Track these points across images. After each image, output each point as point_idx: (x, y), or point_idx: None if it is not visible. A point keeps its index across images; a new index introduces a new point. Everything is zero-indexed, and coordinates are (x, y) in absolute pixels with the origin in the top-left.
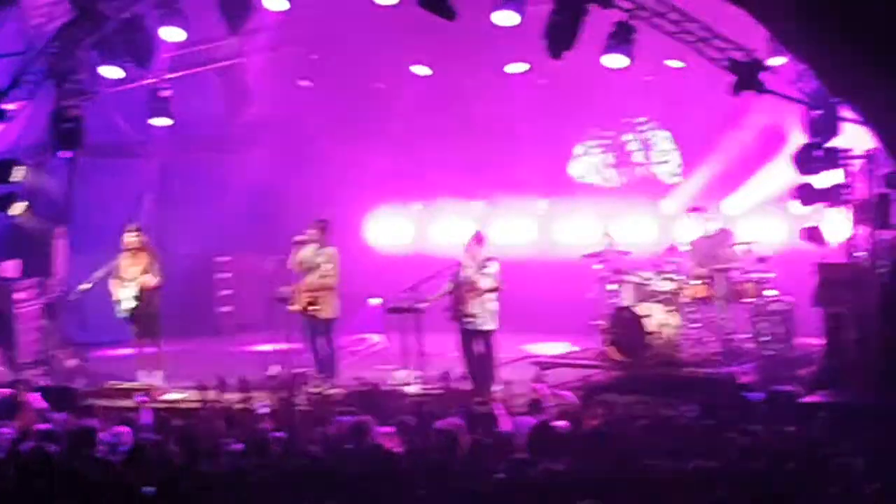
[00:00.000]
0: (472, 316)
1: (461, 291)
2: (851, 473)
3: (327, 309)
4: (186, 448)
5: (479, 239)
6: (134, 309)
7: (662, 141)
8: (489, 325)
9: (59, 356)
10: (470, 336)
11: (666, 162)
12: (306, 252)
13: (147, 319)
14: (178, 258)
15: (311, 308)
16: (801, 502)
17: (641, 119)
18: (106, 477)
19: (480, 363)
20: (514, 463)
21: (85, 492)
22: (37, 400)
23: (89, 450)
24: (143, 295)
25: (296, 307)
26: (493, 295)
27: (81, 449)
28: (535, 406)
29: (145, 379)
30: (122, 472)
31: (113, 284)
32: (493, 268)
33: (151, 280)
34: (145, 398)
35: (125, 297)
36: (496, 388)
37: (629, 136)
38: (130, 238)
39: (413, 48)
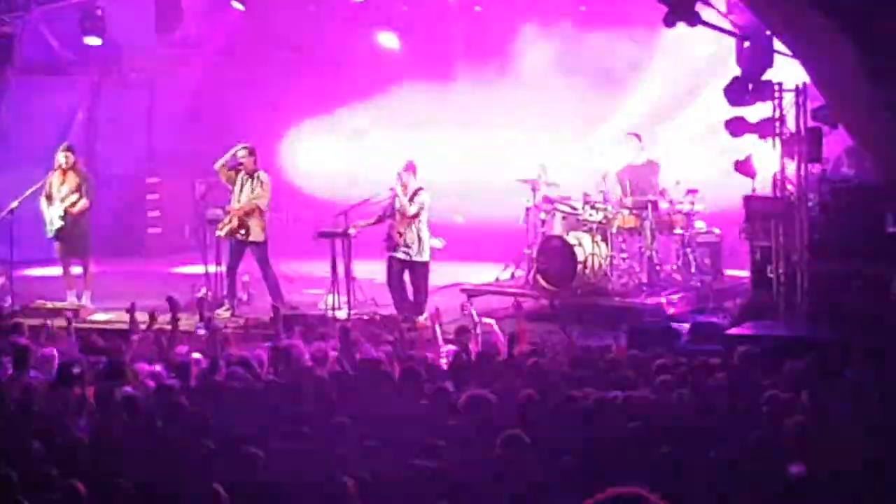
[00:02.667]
0: (408, 246)
1: (395, 221)
2: (774, 406)
3: (256, 232)
4: (111, 370)
5: (410, 167)
6: (61, 228)
7: None
8: (423, 257)
9: None
10: (401, 266)
11: None
12: (235, 177)
13: (75, 239)
14: (108, 178)
15: (238, 233)
16: (724, 433)
17: None
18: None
19: (413, 292)
20: (440, 390)
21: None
22: None
23: (24, 370)
24: (71, 215)
25: (222, 231)
26: (426, 224)
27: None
28: (462, 334)
29: (73, 299)
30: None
31: (42, 203)
32: (423, 197)
33: (81, 200)
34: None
35: (54, 216)
36: (423, 316)
37: None
38: (62, 157)
39: None
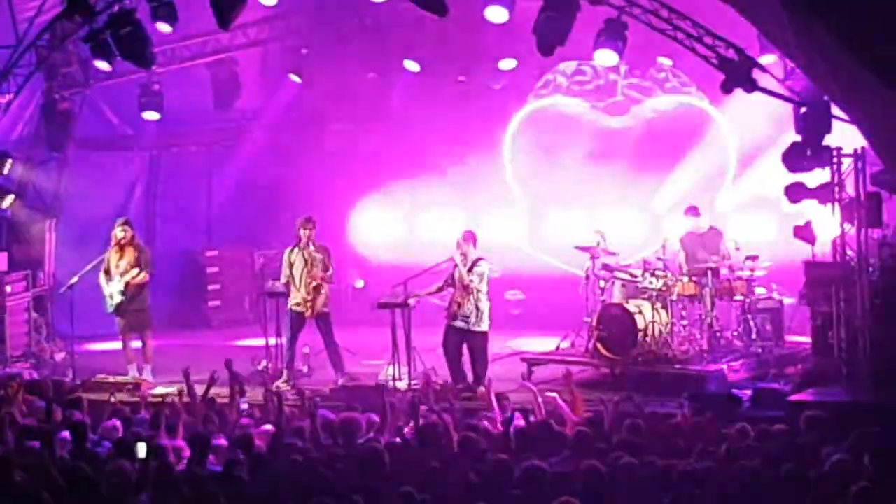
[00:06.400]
0: (466, 317)
1: (455, 291)
2: (839, 472)
3: (320, 303)
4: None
5: (468, 238)
6: (121, 303)
7: None
8: (481, 327)
9: (47, 349)
10: (459, 335)
11: None
12: (300, 253)
13: (133, 314)
14: (167, 252)
15: (307, 304)
16: (789, 500)
17: None
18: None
19: (472, 362)
20: (499, 461)
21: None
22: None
23: (81, 443)
24: (132, 287)
25: (299, 308)
26: (485, 295)
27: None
28: (503, 403)
29: (134, 373)
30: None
31: (101, 279)
32: (483, 267)
33: (141, 273)
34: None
35: (113, 291)
36: (482, 387)
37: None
38: (119, 232)
39: (403, 44)
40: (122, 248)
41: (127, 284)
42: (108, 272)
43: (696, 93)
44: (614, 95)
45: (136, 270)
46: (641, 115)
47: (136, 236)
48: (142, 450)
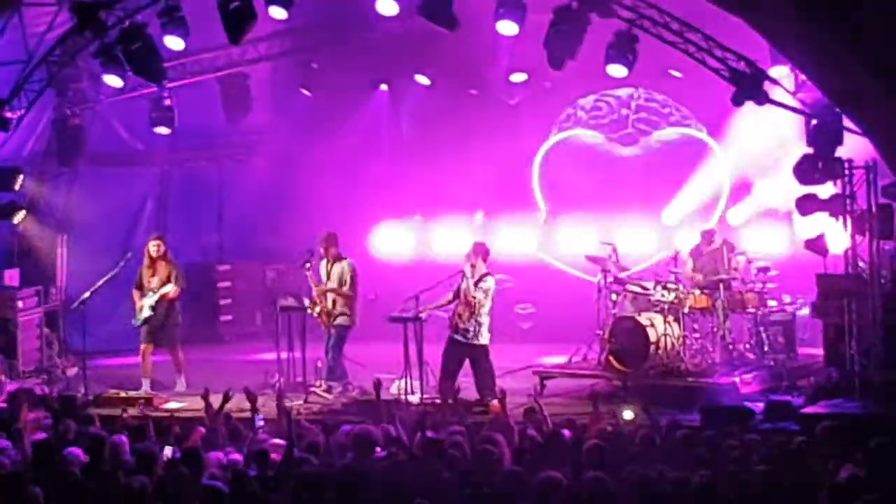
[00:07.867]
0: (466, 330)
1: (458, 303)
2: (850, 485)
3: (334, 316)
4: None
5: (479, 252)
6: (149, 318)
7: None
8: (481, 340)
9: (59, 364)
10: (459, 348)
11: None
12: (322, 268)
13: (161, 329)
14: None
15: (329, 316)
16: None
17: None
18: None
19: (478, 376)
20: (512, 472)
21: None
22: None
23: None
24: (165, 300)
25: (315, 311)
26: (486, 310)
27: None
28: (533, 417)
29: (147, 388)
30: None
31: (134, 293)
32: (489, 283)
33: (173, 290)
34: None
35: (145, 305)
36: (493, 399)
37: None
38: (153, 248)
39: (414, 57)
40: (153, 262)
41: (161, 298)
42: (140, 287)
43: (696, 125)
44: (626, 128)
45: (170, 285)
46: (649, 146)
47: (170, 251)
48: (168, 452)
